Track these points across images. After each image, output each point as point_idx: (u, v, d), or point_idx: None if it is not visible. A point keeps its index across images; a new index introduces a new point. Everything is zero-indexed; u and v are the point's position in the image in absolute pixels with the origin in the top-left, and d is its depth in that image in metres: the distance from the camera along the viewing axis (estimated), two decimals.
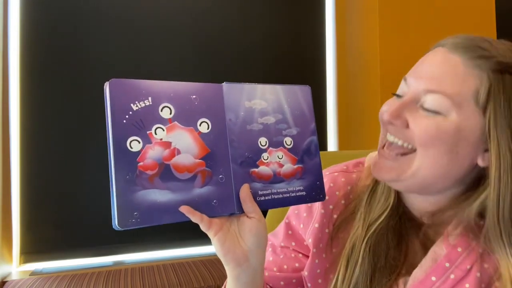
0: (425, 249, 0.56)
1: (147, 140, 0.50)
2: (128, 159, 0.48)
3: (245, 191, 0.54)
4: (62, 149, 1.47)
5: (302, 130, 0.61)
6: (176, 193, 0.50)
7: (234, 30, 1.71)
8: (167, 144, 0.51)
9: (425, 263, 0.53)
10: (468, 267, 0.51)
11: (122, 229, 0.47)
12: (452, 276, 0.51)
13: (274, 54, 1.76)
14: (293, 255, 0.65)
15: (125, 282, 1.22)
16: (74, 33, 1.51)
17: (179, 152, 0.51)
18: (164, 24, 1.62)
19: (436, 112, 0.49)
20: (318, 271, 0.62)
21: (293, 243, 0.67)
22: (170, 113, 0.52)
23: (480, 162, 0.51)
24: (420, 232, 0.58)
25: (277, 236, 0.70)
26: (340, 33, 1.81)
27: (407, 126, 0.51)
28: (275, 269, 0.65)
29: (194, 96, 0.53)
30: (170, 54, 1.62)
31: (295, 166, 0.59)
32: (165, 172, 0.50)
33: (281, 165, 0.58)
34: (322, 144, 1.83)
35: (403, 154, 0.53)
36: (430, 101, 0.50)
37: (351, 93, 1.76)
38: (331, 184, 0.65)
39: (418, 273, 0.53)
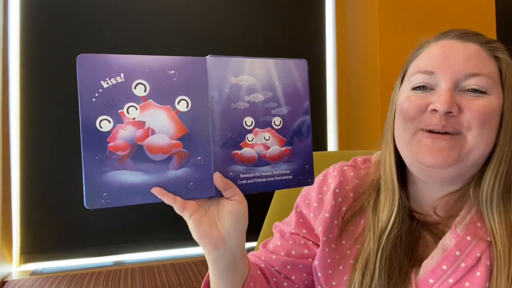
0: (436, 241, 0.56)
1: (118, 119, 0.47)
2: (98, 139, 0.46)
3: (217, 180, 0.50)
4: (62, 149, 1.45)
5: (294, 109, 0.56)
6: (149, 175, 0.49)
7: (234, 30, 1.66)
8: (141, 124, 0.48)
9: (436, 254, 0.53)
10: (478, 255, 0.51)
11: (92, 209, 0.46)
12: (463, 265, 0.51)
13: (274, 54, 1.67)
14: (302, 242, 0.64)
15: (125, 282, 1.21)
16: (74, 33, 1.48)
17: (153, 132, 0.49)
18: (164, 24, 1.58)
19: (482, 92, 0.51)
20: (329, 260, 0.61)
21: (304, 231, 0.65)
22: (145, 91, 0.48)
23: None
24: (430, 226, 0.58)
25: (288, 224, 0.69)
26: (340, 33, 1.80)
27: (460, 111, 0.51)
28: (282, 253, 0.64)
29: (172, 72, 0.50)
30: (170, 54, 1.55)
31: (283, 148, 0.56)
32: (138, 153, 0.48)
33: (267, 147, 0.55)
34: (322, 144, 1.81)
35: (456, 135, 0.52)
36: (474, 83, 0.51)
37: (351, 93, 1.74)
38: (341, 178, 0.65)
39: (428, 262, 0.53)
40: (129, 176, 0.48)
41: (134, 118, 0.48)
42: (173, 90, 0.50)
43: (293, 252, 0.64)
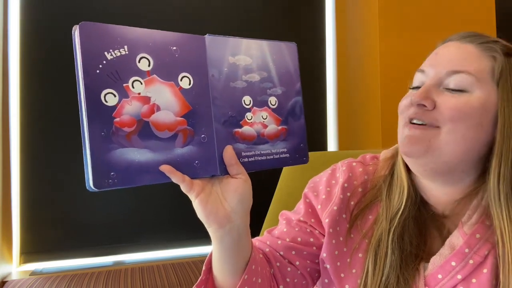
0: (442, 238, 0.57)
1: (123, 93, 0.45)
2: (103, 114, 0.43)
3: (229, 153, 0.51)
4: (62, 149, 1.45)
5: (287, 89, 0.58)
6: (156, 153, 0.47)
7: (233, 30, 1.67)
8: (146, 99, 0.46)
9: (444, 251, 0.54)
10: (486, 252, 0.52)
11: (98, 190, 0.43)
12: (471, 262, 0.52)
13: None
14: (309, 230, 0.64)
15: (125, 282, 1.20)
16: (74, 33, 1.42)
17: (158, 109, 0.47)
18: (164, 24, 1.57)
19: (461, 91, 0.52)
20: (336, 252, 0.61)
21: (313, 220, 0.65)
22: (149, 65, 0.47)
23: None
24: (437, 222, 0.59)
25: (296, 213, 0.68)
26: (340, 33, 1.80)
27: (434, 107, 0.53)
28: (288, 239, 0.64)
29: (174, 48, 0.49)
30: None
31: (279, 127, 0.57)
32: (144, 130, 0.46)
33: (265, 126, 0.56)
34: (322, 144, 1.81)
35: (433, 128, 0.54)
36: (454, 80, 0.53)
37: (351, 93, 1.74)
38: (350, 174, 0.66)
39: (437, 258, 0.54)
40: (137, 154, 0.45)
41: (139, 93, 0.46)
42: (176, 66, 0.49)
43: (299, 239, 0.63)
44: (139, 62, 0.46)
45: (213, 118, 0.51)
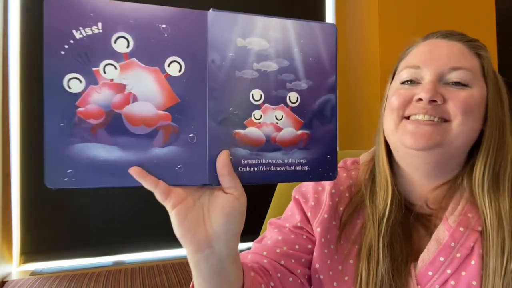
0: (429, 234, 0.57)
1: (91, 79, 0.38)
2: (64, 102, 0.38)
3: (223, 160, 0.41)
4: None
5: (316, 84, 0.45)
6: (128, 151, 0.39)
7: None
8: (120, 87, 0.39)
9: (431, 247, 0.54)
10: (472, 244, 0.52)
11: (54, 188, 0.38)
12: (458, 255, 0.52)
13: None
14: (305, 236, 0.61)
15: (125, 282, 1.19)
16: None
17: (135, 99, 0.40)
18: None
19: (464, 85, 0.54)
20: (328, 262, 0.59)
21: (309, 226, 0.63)
22: (128, 46, 0.39)
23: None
24: (423, 219, 0.59)
25: (287, 219, 0.65)
26: (340, 33, 1.73)
27: (444, 101, 0.53)
28: (285, 247, 0.60)
29: (163, 26, 0.40)
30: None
31: (299, 132, 0.45)
32: (114, 123, 0.39)
33: (279, 129, 0.44)
34: None
35: (442, 122, 0.54)
36: (457, 76, 0.54)
37: (351, 93, 1.73)
38: (335, 180, 0.64)
39: (425, 256, 0.54)
40: (102, 151, 0.39)
41: (112, 80, 0.39)
42: (163, 48, 0.40)
43: (297, 246, 0.60)
44: (115, 42, 0.39)
45: (208, 115, 0.42)
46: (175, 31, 0.40)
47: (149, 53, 0.40)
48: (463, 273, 0.52)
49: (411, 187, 0.59)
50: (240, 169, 0.43)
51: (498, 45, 1.45)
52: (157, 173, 0.40)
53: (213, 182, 0.42)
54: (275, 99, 0.44)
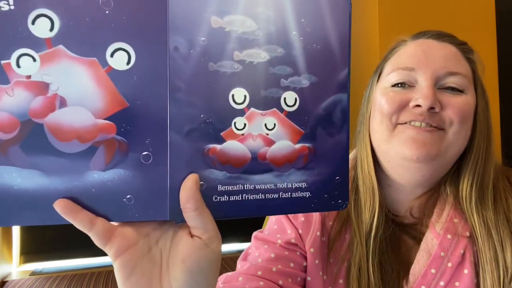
0: (417, 243, 0.55)
1: (0, 76, 0.27)
2: None
3: (189, 188, 0.30)
4: None
5: (321, 80, 0.33)
6: (53, 177, 0.28)
7: None
8: (41, 87, 0.28)
9: (421, 258, 0.52)
10: (462, 251, 0.51)
11: None
12: (449, 264, 0.51)
13: None
14: (298, 253, 0.57)
15: None
16: None
17: (64, 103, 0.28)
18: None
19: (460, 91, 0.52)
20: (321, 283, 0.56)
21: (302, 243, 0.58)
22: (51, 28, 0.28)
23: None
24: (409, 229, 0.57)
25: (276, 234, 0.59)
26: None
27: (442, 108, 0.51)
28: (280, 265, 0.55)
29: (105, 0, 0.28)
30: None
31: (298, 146, 0.33)
32: (34, 138, 0.28)
33: (270, 142, 0.32)
34: None
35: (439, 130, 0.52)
36: (454, 82, 0.52)
37: (351, 93, 1.67)
38: None
39: (416, 268, 0.52)
40: (16, 177, 0.28)
41: (29, 76, 0.27)
42: (104, 31, 0.29)
43: (291, 264, 0.56)
44: (33, 23, 0.27)
45: (169, 123, 0.30)
46: (121, 7, 0.29)
47: (83, 37, 0.28)
48: (457, 284, 0.50)
49: (397, 197, 0.57)
50: (215, 198, 0.31)
51: (498, 45, 1.45)
52: (96, 207, 0.29)
53: (177, 218, 0.30)
54: (264, 101, 0.32)
